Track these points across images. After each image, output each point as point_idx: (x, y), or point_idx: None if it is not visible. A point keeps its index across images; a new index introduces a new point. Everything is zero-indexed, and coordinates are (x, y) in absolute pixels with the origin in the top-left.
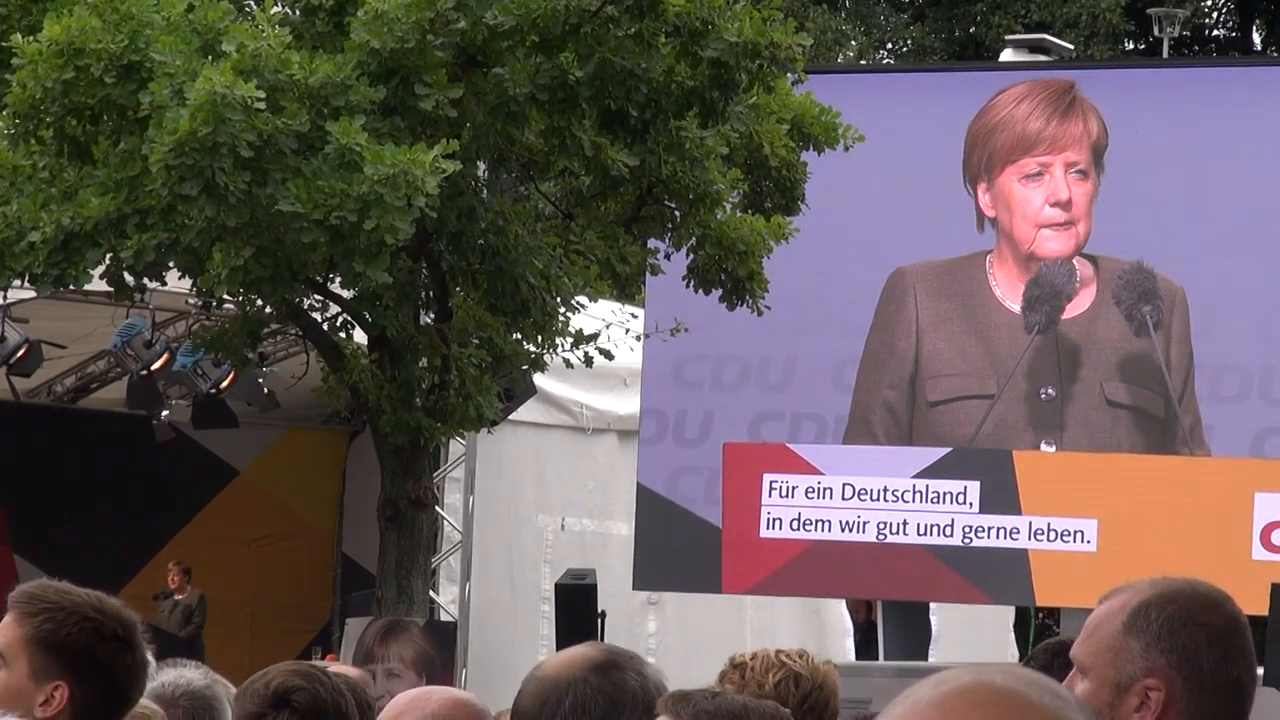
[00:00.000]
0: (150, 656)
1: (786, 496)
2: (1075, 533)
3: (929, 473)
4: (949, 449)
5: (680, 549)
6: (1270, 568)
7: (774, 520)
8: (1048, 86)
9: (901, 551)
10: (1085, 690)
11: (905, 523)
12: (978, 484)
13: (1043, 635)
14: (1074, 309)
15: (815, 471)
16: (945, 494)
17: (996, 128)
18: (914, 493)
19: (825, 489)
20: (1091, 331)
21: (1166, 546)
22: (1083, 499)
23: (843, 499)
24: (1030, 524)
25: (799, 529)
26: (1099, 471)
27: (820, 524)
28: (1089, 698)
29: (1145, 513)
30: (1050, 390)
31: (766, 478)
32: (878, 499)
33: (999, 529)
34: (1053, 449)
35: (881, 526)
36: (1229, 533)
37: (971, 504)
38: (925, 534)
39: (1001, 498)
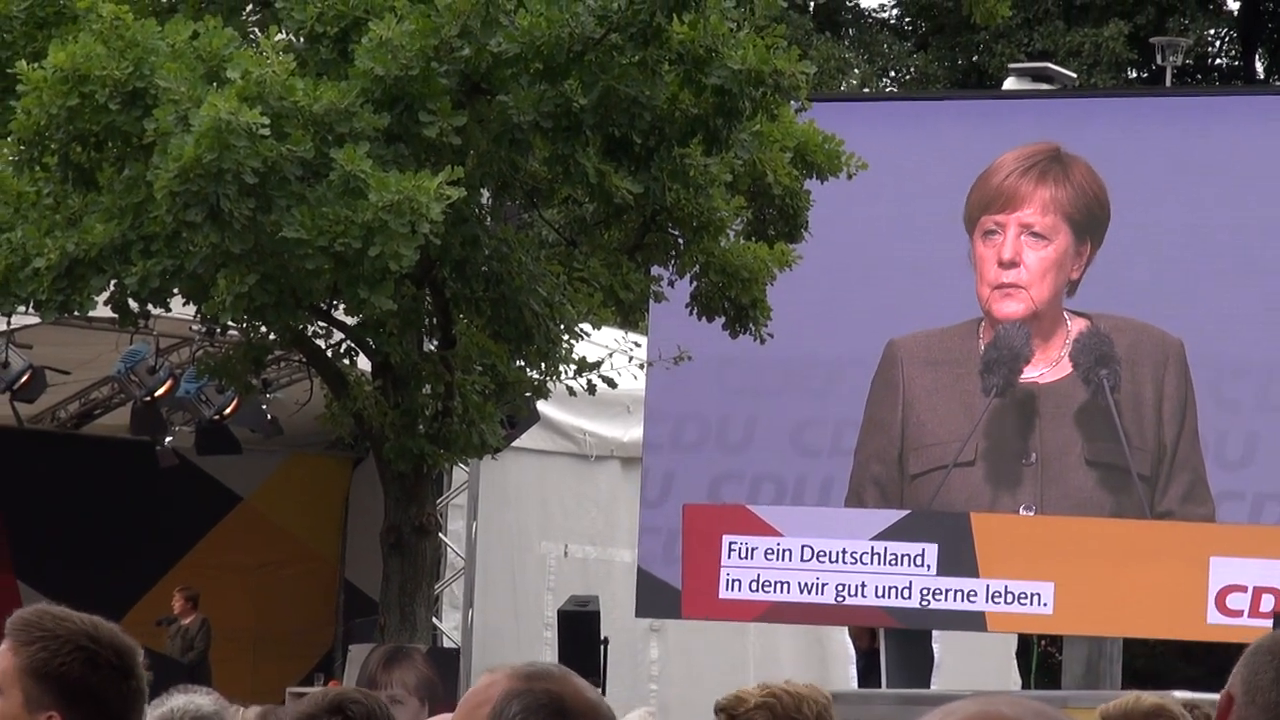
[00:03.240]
0: (145, 685)
1: (746, 558)
2: (1032, 595)
3: (887, 535)
4: (907, 511)
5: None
6: (1225, 631)
7: (733, 581)
8: (1029, 148)
9: (860, 613)
10: None
11: (864, 585)
12: (935, 546)
13: (1045, 663)
14: (1060, 371)
15: (774, 533)
16: (903, 556)
17: (978, 183)
18: (872, 554)
19: (785, 550)
20: (1064, 391)
21: (1123, 610)
22: (1041, 562)
23: (802, 560)
24: (988, 586)
25: (758, 590)
26: (1058, 534)
27: (779, 585)
28: None
29: (1103, 576)
30: (1032, 456)
31: (726, 539)
32: (836, 560)
33: (956, 591)
34: (1032, 513)
35: (840, 588)
36: (1185, 597)
37: (929, 566)
38: (883, 596)
39: (959, 560)
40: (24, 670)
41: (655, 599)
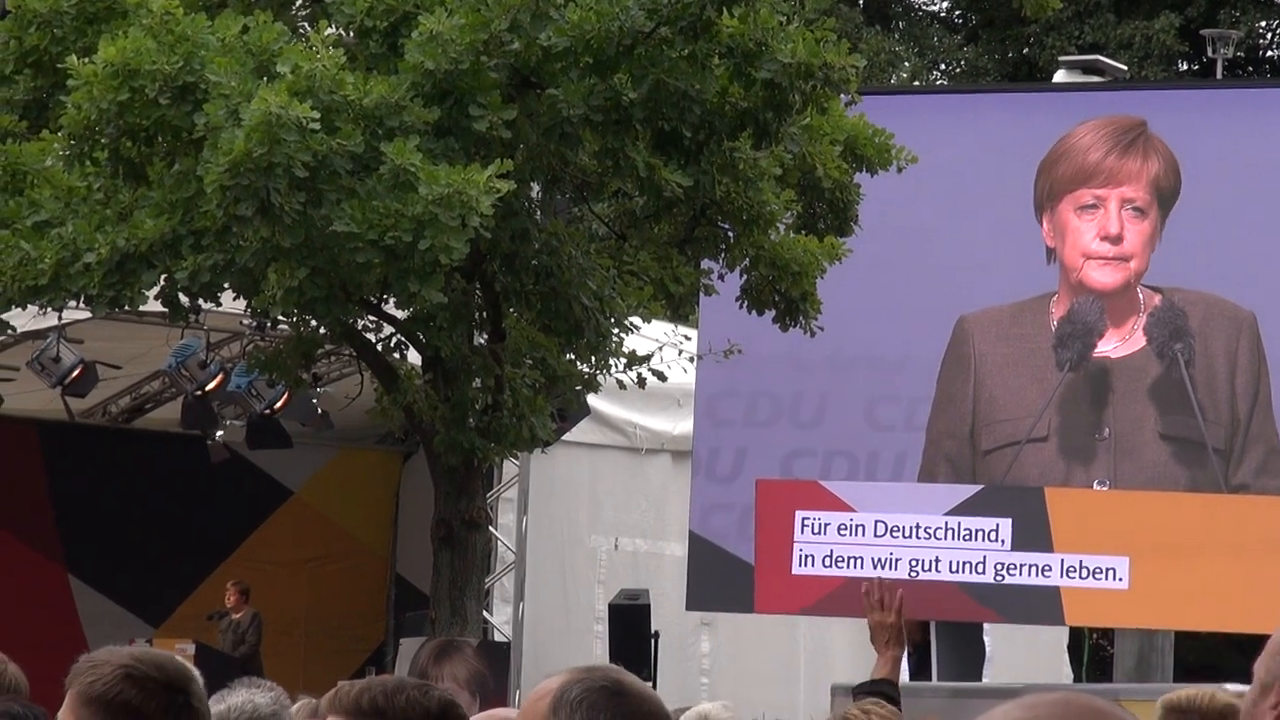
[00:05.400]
0: (200, 704)
1: (819, 533)
2: (1107, 570)
3: (961, 510)
4: (981, 486)
5: (721, 584)
6: None
7: (806, 557)
8: (1115, 122)
9: (934, 588)
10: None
11: (937, 560)
12: (1009, 521)
13: (1097, 656)
14: (1132, 345)
15: (847, 508)
16: (977, 531)
17: (1061, 158)
18: (946, 530)
19: (857, 526)
20: (1137, 365)
21: (1199, 584)
22: (1115, 536)
23: (875, 536)
24: (1063, 561)
25: (831, 565)
26: (1132, 509)
27: (852, 560)
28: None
29: (1179, 550)
30: (1105, 431)
31: (799, 514)
32: (910, 536)
33: (1031, 566)
34: (1106, 487)
35: (914, 564)
36: (1266, 571)
37: (1003, 541)
38: (957, 571)
39: (1033, 535)
40: (77, 700)
41: (723, 576)
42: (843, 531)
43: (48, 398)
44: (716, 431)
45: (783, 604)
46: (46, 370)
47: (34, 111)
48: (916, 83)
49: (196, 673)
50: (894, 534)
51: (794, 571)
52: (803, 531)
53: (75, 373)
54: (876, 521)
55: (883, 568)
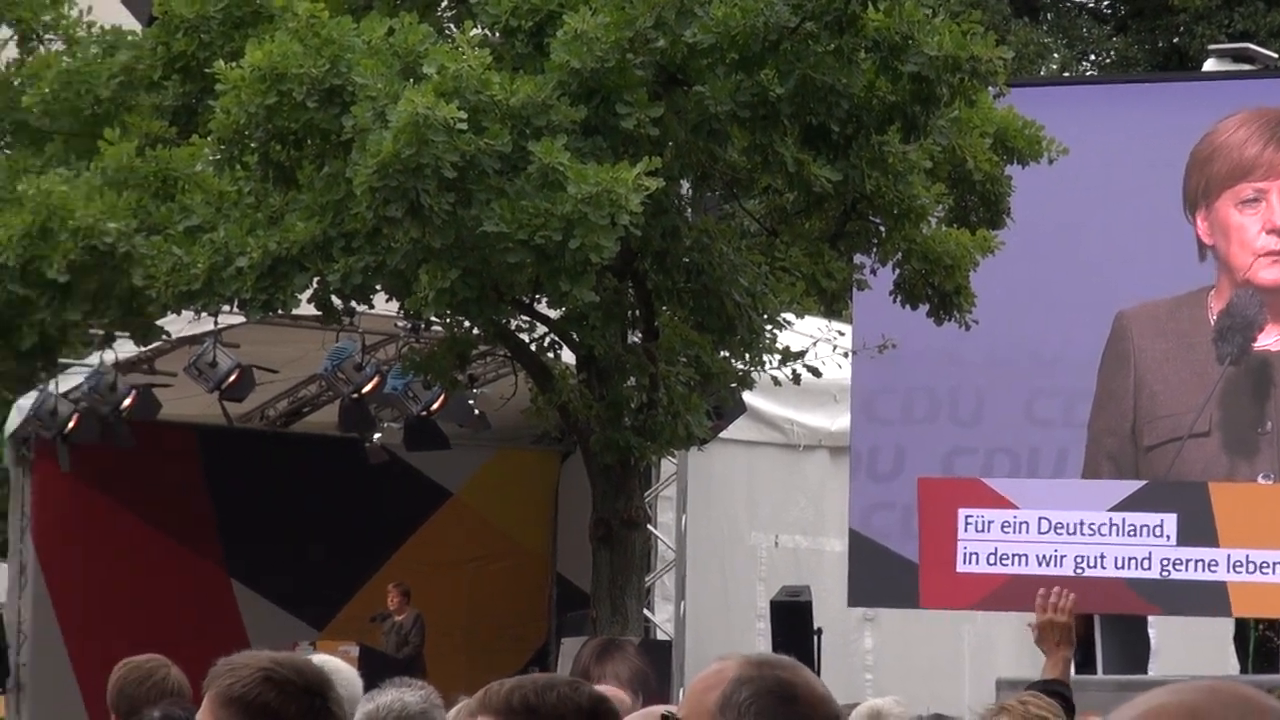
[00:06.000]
0: (339, 707)
1: (982, 531)
2: (1275, 564)
3: (1125, 505)
4: (1144, 482)
5: (883, 581)
6: None
7: (971, 555)
8: (1266, 114)
9: (1099, 584)
10: None
11: (1102, 556)
12: (1174, 516)
13: (1263, 648)
14: None
15: (1010, 505)
16: (1142, 526)
17: (1215, 154)
18: (1110, 526)
19: (1021, 523)
20: None
21: None
22: None
23: (1039, 533)
24: (1229, 556)
25: (995, 563)
26: None
27: (1017, 558)
28: None
29: None
30: (1268, 425)
31: (961, 512)
32: (1074, 532)
33: (1197, 561)
34: (1271, 480)
35: (1079, 560)
36: None
37: (1169, 536)
38: (1123, 567)
39: (1199, 530)
40: (216, 702)
41: (885, 574)
42: (1006, 529)
43: (206, 402)
44: (875, 429)
45: (948, 600)
46: (204, 375)
47: (183, 117)
48: (1066, 74)
49: (355, 672)
50: (1058, 531)
51: (958, 569)
52: (966, 529)
53: (232, 377)
54: (1040, 518)
55: (1047, 564)
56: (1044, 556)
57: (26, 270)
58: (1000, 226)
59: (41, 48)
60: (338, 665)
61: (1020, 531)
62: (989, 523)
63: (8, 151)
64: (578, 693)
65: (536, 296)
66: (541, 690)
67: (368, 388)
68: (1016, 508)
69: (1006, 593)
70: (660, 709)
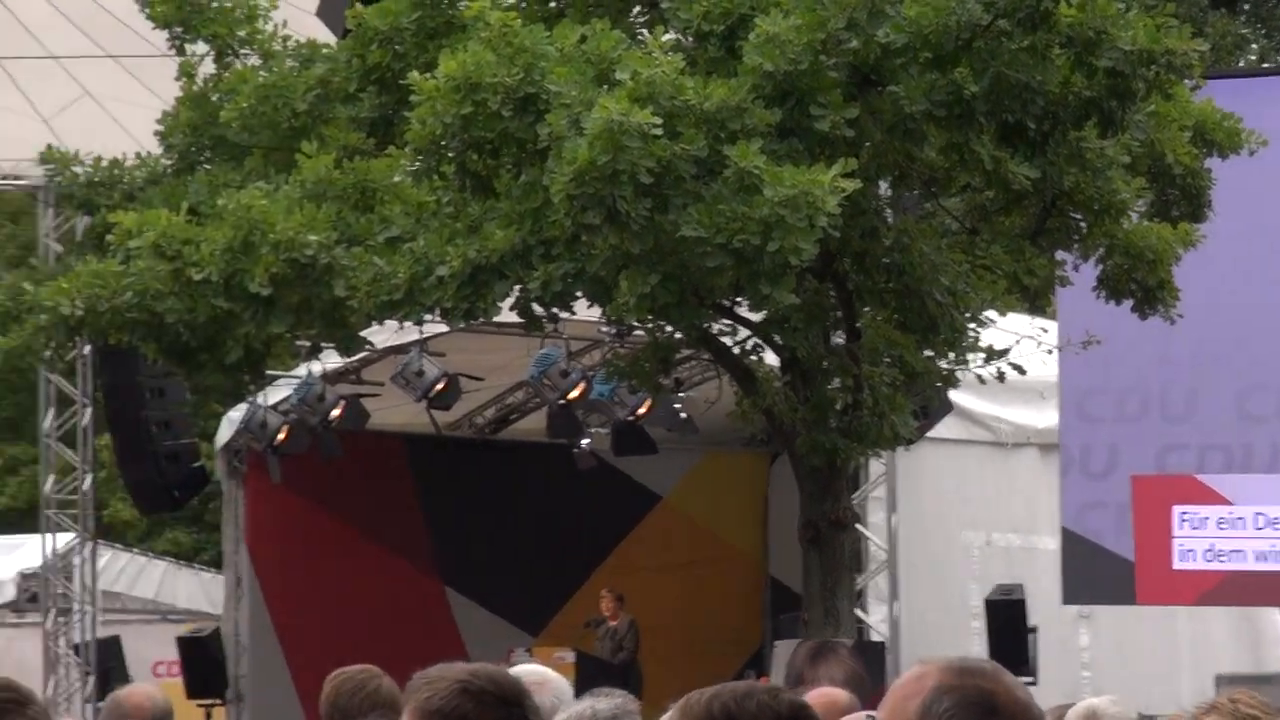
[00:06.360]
0: (532, 717)
1: (1198, 528)
2: None
3: None
4: None
5: (1099, 578)
6: None
7: (1187, 552)
8: None
9: None
10: None
11: None
12: None
13: None
14: None
15: (1225, 502)
16: None
17: None
18: None
19: (1237, 519)
20: None
21: None
22: None
23: (1255, 529)
24: None
25: (1213, 560)
26: None
27: (1234, 554)
28: None
29: None
30: None
31: (1176, 509)
32: None
33: None
34: None
35: None
36: None
37: None
38: None
39: None
40: (415, 715)
41: (1100, 572)
42: (1222, 525)
43: (413, 411)
44: (1086, 427)
45: (1166, 596)
46: (411, 385)
47: (380, 128)
48: (1264, 65)
49: (565, 681)
50: (1275, 526)
51: (1175, 566)
52: (1181, 526)
53: (439, 386)
54: (1256, 514)
55: (1265, 560)
56: (1261, 552)
57: (230, 284)
58: (1202, 219)
59: (238, 63)
60: (547, 674)
61: (1236, 527)
62: (1204, 519)
63: (207, 167)
64: (777, 700)
65: (737, 300)
66: (741, 698)
67: (574, 393)
68: (1231, 504)
69: (1225, 589)
70: (865, 714)
